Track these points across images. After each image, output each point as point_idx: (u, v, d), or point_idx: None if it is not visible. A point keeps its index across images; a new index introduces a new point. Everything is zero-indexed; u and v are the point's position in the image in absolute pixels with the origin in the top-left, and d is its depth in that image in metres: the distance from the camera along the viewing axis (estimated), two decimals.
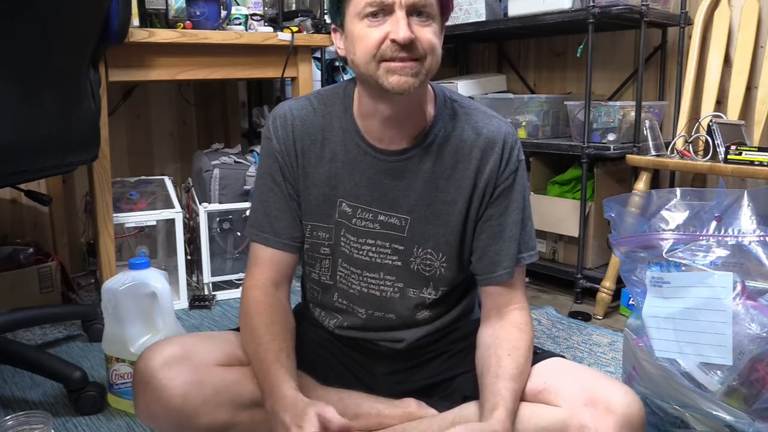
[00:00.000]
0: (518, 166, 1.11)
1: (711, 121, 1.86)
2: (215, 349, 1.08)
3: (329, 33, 1.03)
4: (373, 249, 1.12)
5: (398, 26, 0.95)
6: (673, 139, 2.01)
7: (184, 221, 2.25)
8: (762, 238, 1.15)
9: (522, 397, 1.04)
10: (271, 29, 2.17)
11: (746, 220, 1.18)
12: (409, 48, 0.96)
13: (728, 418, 1.07)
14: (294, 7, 2.37)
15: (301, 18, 2.23)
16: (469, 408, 1.11)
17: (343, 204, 1.11)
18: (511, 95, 2.56)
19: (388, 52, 0.97)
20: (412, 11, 0.97)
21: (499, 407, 0.97)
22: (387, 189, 1.10)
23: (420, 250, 1.11)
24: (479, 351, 1.10)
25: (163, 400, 1.00)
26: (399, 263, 1.12)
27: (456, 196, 1.09)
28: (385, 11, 0.97)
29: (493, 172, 1.09)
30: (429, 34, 0.98)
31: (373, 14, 0.97)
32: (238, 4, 2.21)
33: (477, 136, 1.09)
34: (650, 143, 2.02)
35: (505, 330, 1.09)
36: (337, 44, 1.07)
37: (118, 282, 1.46)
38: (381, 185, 1.10)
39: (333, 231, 1.13)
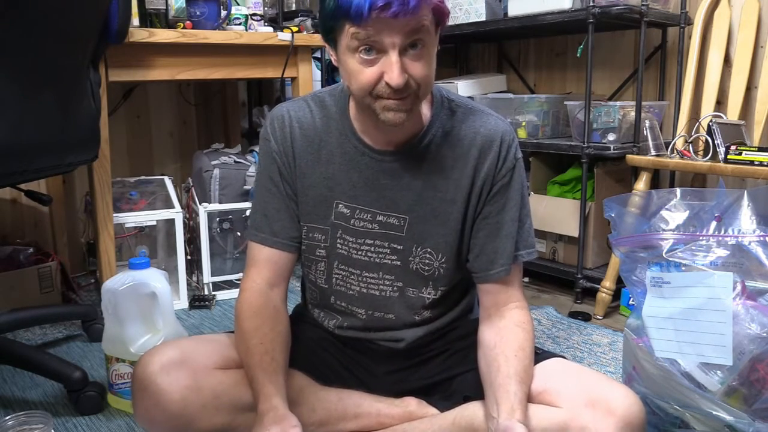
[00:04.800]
0: (515, 164, 1.11)
1: (711, 121, 1.85)
2: (213, 352, 1.08)
3: (324, 41, 1.03)
4: (372, 249, 1.12)
5: (392, 70, 0.93)
6: (673, 139, 2.01)
7: (184, 221, 2.25)
8: (762, 238, 1.15)
9: None
10: (271, 29, 2.17)
11: (746, 220, 1.18)
12: (403, 89, 0.95)
13: (728, 418, 1.07)
14: (294, 7, 2.37)
15: (301, 18, 2.23)
16: (470, 408, 1.11)
17: (340, 205, 1.11)
18: (511, 95, 2.56)
19: (384, 92, 0.96)
20: (405, 48, 0.94)
21: (518, 410, 0.97)
22: (385, 189, 1.10)
23: (419, 249, 1.12)
24: (483, 350, 1.09)
25: (162, 405, 1.00)
26: (398, 263, 1.12)
27: (455, 195, 1.09)
28: (378, 48, 0.94)
29: (490, 169, 1.09)
30: (422, 69, 0.96)
31: (366, 50, 0.94)
32: (238, 4, 2.21)
33: (474, 135, 1.09)
34: (650, 143, 2.02)
35: (509, 329, 1.09)
36: (330, 53, 1.05)
37: (118, 282, 1.46)
38: (379, 185, 1.10)
39: (329, 233, 1.13)
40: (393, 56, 0.93)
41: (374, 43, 0.93)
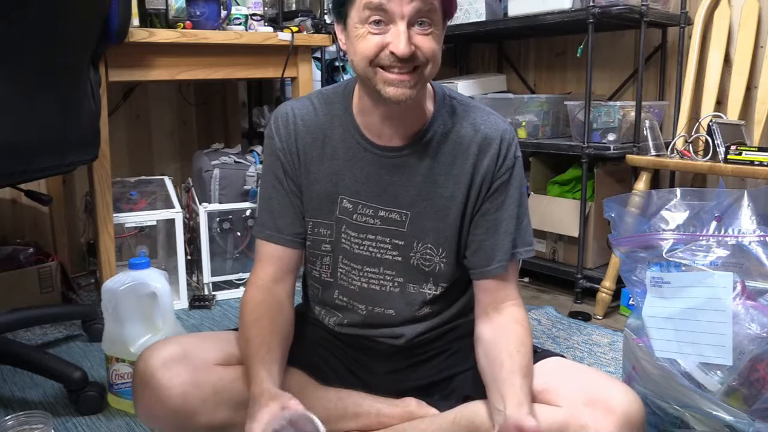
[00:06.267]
0: (515, 163, 1.12)
1: (711, 121, 1.86)
2: (214, 348, 1.09)
3: (329, 33, 1.04)
4: (374, 244, 1.13)
5: (399, 39, 0.95)
6: (673, 139, 2.01)
7: (184, 221, 2.25)
8: (762, 238, 1.15)
9: None
10: (271, 29, 2.17)
11: (746, 220, 1.18)
12: (408, 59, 0.96)
13: (728, 418, 1.07)
14: (294, 7, 2.37)
15: (301, 18, 2.23)
16: (471, 407, 1.11)
17: (344, 200, 1.12)
18: (511, 95, 2.56)
19: (386, 61, 0.97)
20: (414, 21, 0.96)
21: (525, 404, 0.97)
22: (387, 185, 1.10)
23: (420, 245, 1.12)
24: (483, 346, 1.09)
25: (162, 400, 1.01)
26: (399, 258, 1.13)
27: (454, 191, 1.10)
28: (387, 20, 0.96)
29: (490, 167, 1.09)
30: (430, 42, 0.98)
31: (375, 21, 0.96)
32: (238, 4, 2.21)
33: (475, 133, 1.10)
34: (650, 143, 2.02)
35: (508, 326, 1.09)
36: (339, 37, 1.06)
37: (118, 282, 1.46)
38: (381, 181, 1.10)
39: (334, 227, 1.14)
40: (401, 26, 0.95)
41: (384, 14, 0.95)
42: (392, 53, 0.96)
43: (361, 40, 0.98)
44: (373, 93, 1.02)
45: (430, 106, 1.11)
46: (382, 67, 0.98)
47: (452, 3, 1.01)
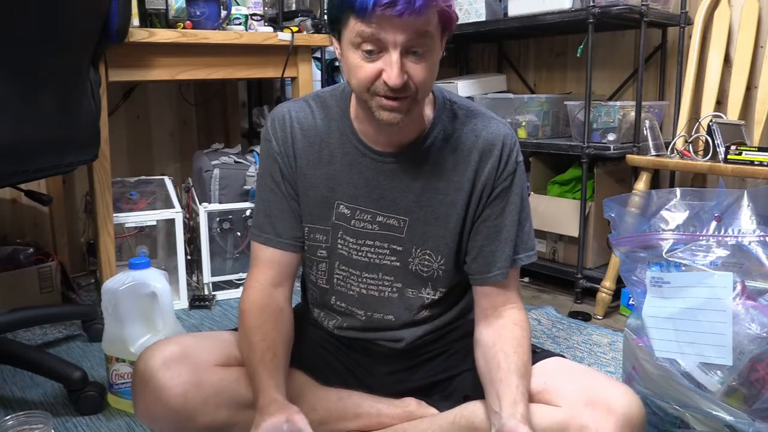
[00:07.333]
0: (516, 168, 1.11)
1: (711, 121, 1.86)
2: (215, 349, 1.09)
3: (329, 33, 1.03)
4: (372, 250, 1.12)
5: (391, 69, 0.93)
6: (673, 139, 2.01)
7: (184, 221, 2.25)
8: (762, 238, 1.15)
9: None
10: (271, 29, 2.17)
11: (746, 220, 1.18)
12: (400, 89, 0.95)
13: (728, 418, 1.07)
14: (294, 7, 2.37)
15: (301, 18, 2.23)
16: (470, 407, 1.11)
17: (341, 206, 1.11)
18: (511, 95, 2.56)
19: (381, 90, 0.96)
20: (408, 49, 0.94)
21: (520, 403, 0.97)
22: (385, 190, 1.10)
23: (418, 251, 1.12)
24: (481, 349, 1.09)
25: (162, 400, 1.01)
26: (397, 263, 1.12)
27: (455, 197, 1.09)
28: (380, 47, 0.94)
29: (491, 173, 1.09)
30: (422, 72, 0.96)
31: (368, 51, 0.94)
32: (238, 4, 2.20)
33: (476, 138, 1.09)
34: (650, 143, 2.02)
35: (507, 328, 1.09)
36: (335, 47, 1.05)
37: (118, 282, 1.46)
38: (379, 186, 1.10)
39: (330, 233, 1.13)
40: (394, 56, 0.93)
41: (377, 41, 0.93)
42: (385, 82, 0.95)
43: (356, 68, 0.96)
44: (367, 111, 1.02)
45: (429, 111, 1.09)
46: (377, 95, 0.97)
47: (450, 18, 0.98)
